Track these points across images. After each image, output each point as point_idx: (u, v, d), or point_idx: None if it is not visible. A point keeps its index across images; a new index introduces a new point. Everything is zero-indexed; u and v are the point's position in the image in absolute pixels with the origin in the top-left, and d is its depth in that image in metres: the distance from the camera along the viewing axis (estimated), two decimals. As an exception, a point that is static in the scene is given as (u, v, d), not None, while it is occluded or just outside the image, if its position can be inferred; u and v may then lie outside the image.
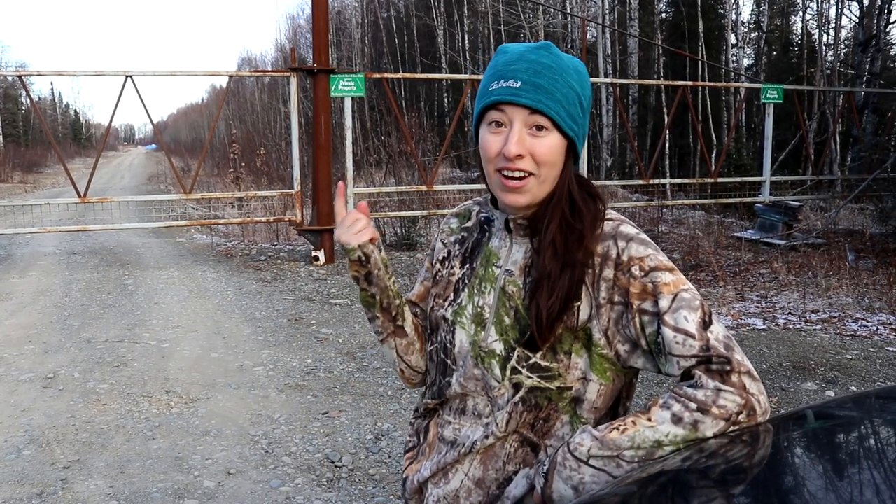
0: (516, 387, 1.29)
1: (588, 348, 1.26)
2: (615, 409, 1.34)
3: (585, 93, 1.28)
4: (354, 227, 1.37)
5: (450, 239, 1.48)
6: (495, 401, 1.32)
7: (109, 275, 9.16)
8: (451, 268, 1.44)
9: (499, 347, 1.30)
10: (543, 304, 1.23)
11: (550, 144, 1.25)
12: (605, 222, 1.28)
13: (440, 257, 1.48)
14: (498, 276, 1.34)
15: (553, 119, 1.24)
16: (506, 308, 1.31)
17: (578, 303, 1.25)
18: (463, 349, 1.35)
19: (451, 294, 1.40)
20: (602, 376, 1.28)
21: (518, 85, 1.24)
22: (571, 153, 1.29)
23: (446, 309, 1.40)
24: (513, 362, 1.29)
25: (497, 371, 1.30)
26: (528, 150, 1.24)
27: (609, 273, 1.24)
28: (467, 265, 1.41)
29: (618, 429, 1.16)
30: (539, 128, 1.24)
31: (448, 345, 1.39)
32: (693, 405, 1.14)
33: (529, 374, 1.28)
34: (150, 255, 10.86)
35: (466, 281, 1.39)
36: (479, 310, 1.34)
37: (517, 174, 1.25)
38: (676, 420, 1.14)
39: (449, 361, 1.39)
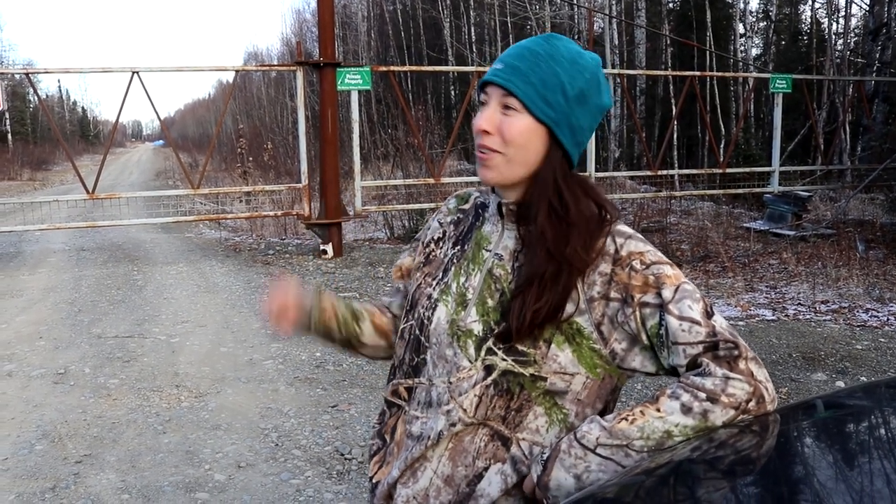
0: (488, 369, 1.27)
1: (575, 342, 1.24)
2: (603, 413, 1.30)
3: (575, 82, 1.25)
4: (282, 318, 1.48)
5: (447, 219, 1.48)
6: (459, 384, 1.29)
7: (118, 270, 9.20)
8: (445, 248, 1.44)
9: (477, 328, 1.29)
10: (530, 306, 1.22)
11: (519, 125, 1.25)
12: None
13: (435, 237, 1.47)
14: (486, 259, 1.34)
15: (522, 101, 1.24)
16: (490, 290, 1.30)
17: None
18: (440, 327, 1.33)
19: (440, 273, 1.40)
20: (591, 371, 1.25)
21: (500, 66, 1.27)
22: (556, 141, 1.27)
23: (433, 287, 1.39)
24: (489, 343, 1.27)
25: (472, 350, 1.28)
26: (497, 129, 1.26)
27: (606, 267, 1.23)
28: (458, 247, 1.41)
29: (626, 419, 1.15)
30: (509, 107, 1.26)
31: (425, 321, 1.37)
32: (702, 395, 1.13)
33: (504, 357, 1.25)
34: (158, 251, 10.90)
35: (455, 261, 1.39)
36: (462, 290, 1.33)
37: (484, 150, 1.28)
38: (686, 410, 1.13)
39: (423, 338, 1.37)
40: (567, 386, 1.25)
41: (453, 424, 1.28)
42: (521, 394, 1.26)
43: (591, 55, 1.29)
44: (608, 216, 1.28)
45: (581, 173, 1.33)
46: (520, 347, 1.25)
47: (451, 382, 1.30)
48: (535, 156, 1.27)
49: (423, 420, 1.34)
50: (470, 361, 1.28)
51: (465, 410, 1.27)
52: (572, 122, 1.26)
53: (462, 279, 1.34)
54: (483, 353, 1.27)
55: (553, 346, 1.24)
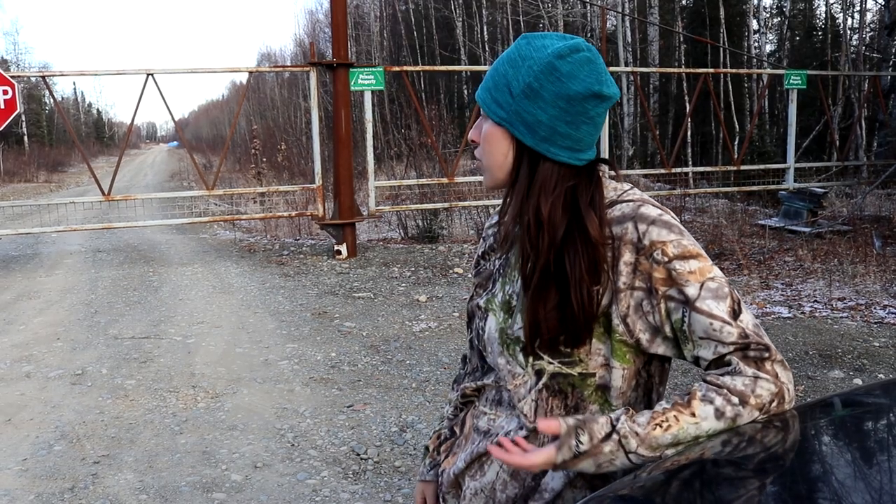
0: (538, 374, 1.29)
1: (608, 334, 1.25)
2: (648, 395, 1.31)
3: (520, 78, 1.23)
4: None
5: (489, 231, 1.50)
6: (517, 391, 1.32)
7: (134, 272, 9.26)
8: (493, 259, 1.44)
9: (523, 335, 1.29)
10: (537, 317, 1.25)
11: (485, 130, 1.30)
12: (626, 203, 1.25)
13: (485, 249, 1.49)
14: None
15: (481, 107, 1.30)
16: None
17: (598, 287, 1.22)
18: (492, 336, 1.36)
19: (490, 284, 1.41)
20: (623, 360, 1.26)
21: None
22: (522, 142, 1.26)
23: (483, 297, 1.41)
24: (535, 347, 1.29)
25: (521, 357, 1.30)
26: (480, 137, 1.32)
27: (630, 257, 1.21)
28: (504, 256, 1.41)
29: (660, 425, 1.14)
30: (483, 116, 1.31)
31: (480, 331, 1.40)
32: (735, 398, 1.13)
33: (551, 360, 1.27)
34: (173, 252, 10.96)
35: (501, 270, 1.39)
36: (507, 297, 1.33)
37: (475, 159, 1.35)
38: (719, 415, 1.13)
39: (481, 347, 1.42)
40: (611, 380, 1.27)
41: (521, 428, 1.32)
42: (573, 392, 1.29)
43: (559, 47, 1.22)
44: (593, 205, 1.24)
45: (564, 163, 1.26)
46: (563, 349, 1.26)
47: (509, 390, 1.34)
48: (503, 157, 1.29)
49: (491, 417, 1.39)
50: (521, 368, 1.31)
51: (526, 416, 1.31)
52: (526, 119, 1.24)
53: (507, 287, 1.35)
54: (531, 358, 1.29)
55: (595, 340, 1.25)
